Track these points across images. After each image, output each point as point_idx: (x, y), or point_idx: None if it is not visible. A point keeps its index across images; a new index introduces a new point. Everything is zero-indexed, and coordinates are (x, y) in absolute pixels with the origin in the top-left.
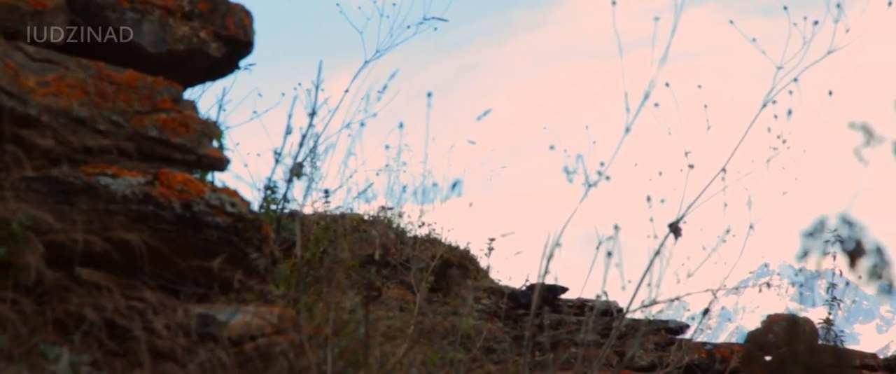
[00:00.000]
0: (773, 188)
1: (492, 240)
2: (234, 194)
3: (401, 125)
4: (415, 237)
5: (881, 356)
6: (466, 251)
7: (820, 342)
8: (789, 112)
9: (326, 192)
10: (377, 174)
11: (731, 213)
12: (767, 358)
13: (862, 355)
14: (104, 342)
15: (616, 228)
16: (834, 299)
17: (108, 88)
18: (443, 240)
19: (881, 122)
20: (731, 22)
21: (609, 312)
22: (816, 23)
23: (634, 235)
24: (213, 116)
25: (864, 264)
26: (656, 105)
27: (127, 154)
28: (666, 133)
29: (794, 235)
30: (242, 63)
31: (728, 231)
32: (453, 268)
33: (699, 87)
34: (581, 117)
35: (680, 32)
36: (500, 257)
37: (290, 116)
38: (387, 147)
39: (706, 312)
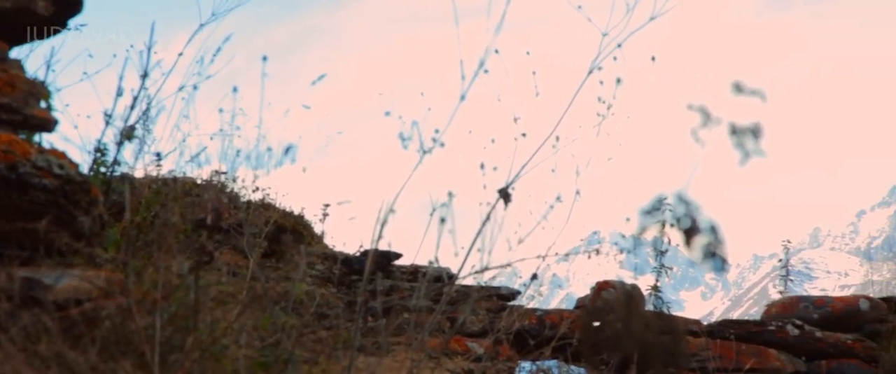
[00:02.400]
0: (601, 154)
1: (327, 206)
2: (63, 155)
3: (235, 89)
4: (248, 202)
5: (705, 323)
6: (301, 217)
7: (648, 308)
8: (618, 81)
9: (158, 155)
10: (211, 138)
11: (560, 179)
12: (596, 324)
13: (686, 321)
14: None
15: (450, 194)
16: (662, 266)
17: None
18: (277, 205)
19: (708, 95)
20: None
21: (441, 278)
22: None
23: (468, 201)
24: (41, 76)
25: (699, 242)
26: (486, 71)
27: None
28: (496, 100)
29: (623, 202)
30: (72, 22)
31: (558, 198)
32: (287, 233)
33: (528, 53)
34: (418, 84)
35: (515, 0)
36: (334, 222)
37: (121, 78)
38: (221, 111)
39: (534, 277)
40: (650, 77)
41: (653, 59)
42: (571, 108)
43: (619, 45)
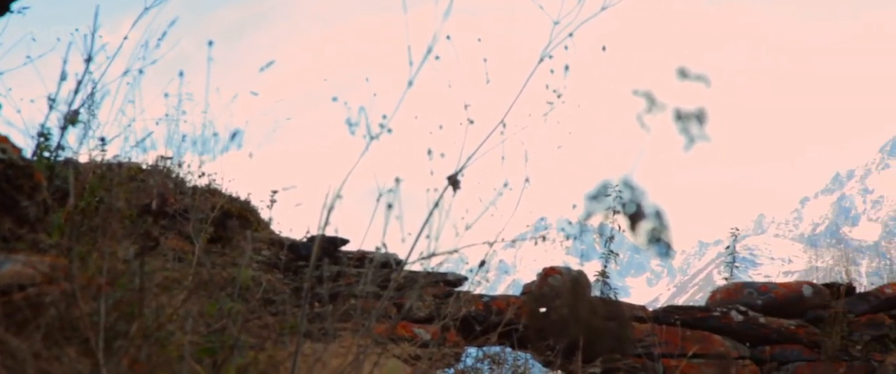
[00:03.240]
0: (550, 142)
1: (274, 192)
2: (5, 140)
3: (181, 73)
4: (194, 188)
5: (650, 309)
6: (247, 202)
7: (594, 294)
8: (566, 68)
9: (103, 140)
10: (157, 123)
11: (509, 166)
12: (542, 310)
13: (632, 307)
14: None
15: (397, 180)
16: (610, 252)
17: None
18: (223, 191)
19: (654, 82)
20: None
21: (388, 264)
22: None
23: (416, 188)
24: None
25: (645, 227)
26: (437, 58)
27: None
28: (447, 87)
29: (571, 190)
30: (15, 6)
31: (506, 185)
32: (233, 219)
33: (479, 40)
34: (366, 70)
35: None
36: (281, 208)
37: (65, 62)
38: (166, 95)
39: (482, 264)
40: (601, 67)
41: (603, 49)
42: (521, 95)
43: (571, 35)
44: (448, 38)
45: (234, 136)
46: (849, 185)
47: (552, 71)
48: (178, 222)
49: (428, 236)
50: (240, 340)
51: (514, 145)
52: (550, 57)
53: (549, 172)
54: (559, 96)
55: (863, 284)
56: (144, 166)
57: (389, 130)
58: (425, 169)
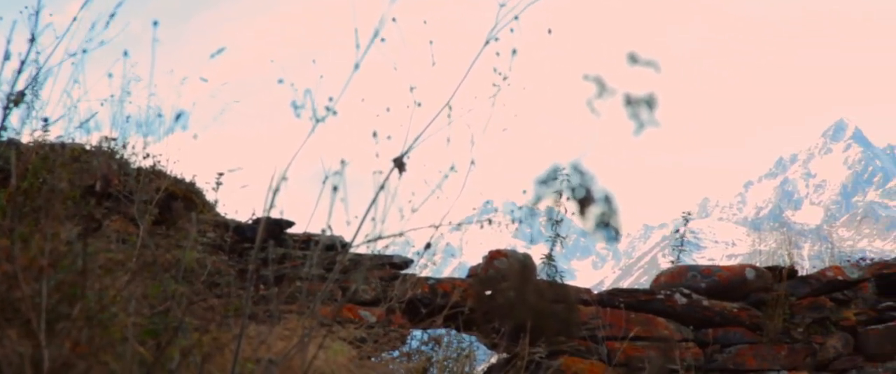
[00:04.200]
0: (496, 125)
1: (220, 174)
2: None
3: (126, 53)
4: (139, 169)
5: (595, 292)
6: (192, 184)
7: (540, 277)
8: (514, 52)
9: (46, 121)
10: (102, 104)
11: (455, 149)
12: (488, 293)
13: (577, 290)
14: None
15: (343, 163)
16: (557, 236)
17: None
18: (168, 172)
19: (604, 66)
20: None
21: (334, 246)
22: None
23: (362, 170)
24: None
25: (594, 212)
26: (383, 40)
27: None
28: (392, 69)
29: (517, 173)
30: None
31: (452, 168)
32: (178, 201)
33: (425, 23)
34: (314, 52)
35: None
36: (227, 190)
37: (9, 42)
38: (110, 76)
39: (428, 246)
40: (548, 49)
41: (549, 31)
42: (467, 78)
43: (517, 17)
44: (394, 20)
45: (178, 117)
46: (792, 169)
47: (498, 53)
48: (122, 203)
49: (374, 219)
50: (184, 322)
51: (460, 128)
52: (496, 39)
53: (496, 155)
54: (505, 79)
55: (805, 267)
56: (88, 147)
57: (335, 113)
58: (372, 152)
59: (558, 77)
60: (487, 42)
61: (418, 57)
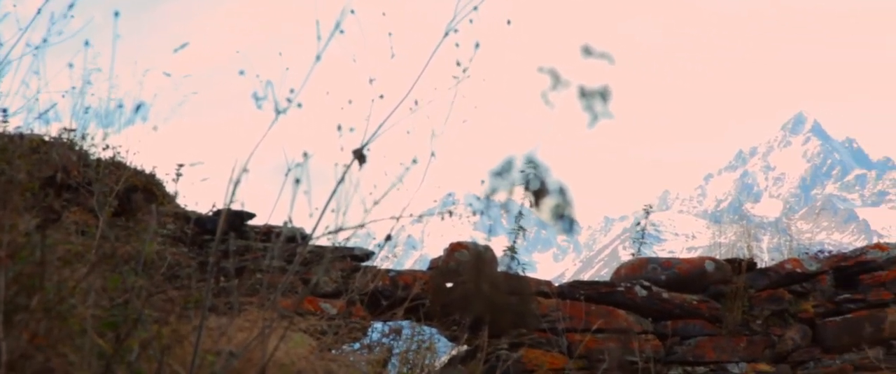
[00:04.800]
0: (456, 117)
1: (180, 165)
2: None
3: (87, 43)
4: (98, 160)
5: (556, 284)
6: (152, 176)
7: (501, 269)
8: (477, 45)
9: (4, 111)
10: (63, 96)
11: (416, 141)
12: (449, 285)
13: (538, 282)
14: None
15: (305, 155)
16: (519, 228)
17: None
18: (128, 164)
19: (564, 60)
20: None
21: (295, 238)
22: None
23: (323, 162)
24: None
25: (549, 203)
26: (342, 32)
27: None
28: (352, 61)
29: (479, 165)
30: None
31: (414, 160)
32: (138, 192)
33: (383, 14)
34: (279, 44)
35: None
36: (187, 182)
37: None
38: (71, 66)
39: (389, 238)
40: (507, 40)
41: (508, 22)
42: (427, 70)
43: (476, 8)
44: (353, 12)
45: (138, 108)
46: (751, 162)
47: (458, 45)
48: (81, 194)
49: (335, 211)
50: (143, 314)
51: (420, 120)
52: (456, 31)
53: (456, 146)
54: (465, 71)
55: (764, 259)
56: (47, 138)
57: (299, 105)
58: (333, 144)
59: (519, 68)
60: (447, 33)
61: (378, 49)
